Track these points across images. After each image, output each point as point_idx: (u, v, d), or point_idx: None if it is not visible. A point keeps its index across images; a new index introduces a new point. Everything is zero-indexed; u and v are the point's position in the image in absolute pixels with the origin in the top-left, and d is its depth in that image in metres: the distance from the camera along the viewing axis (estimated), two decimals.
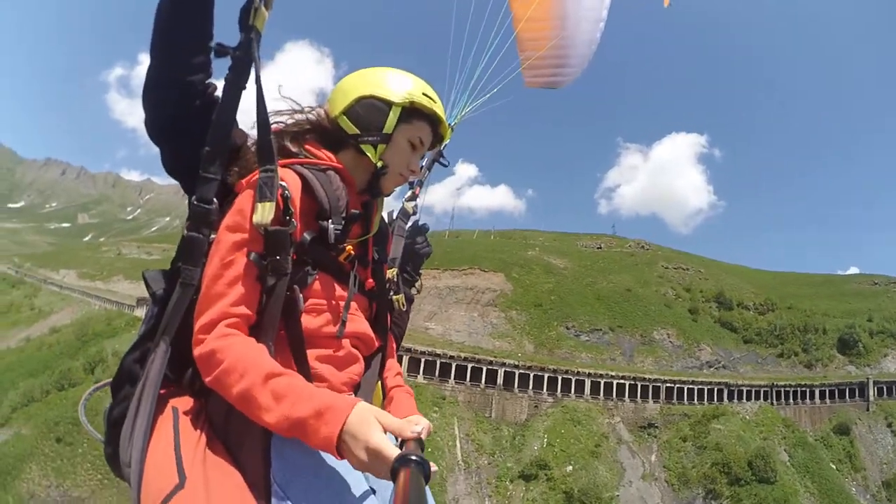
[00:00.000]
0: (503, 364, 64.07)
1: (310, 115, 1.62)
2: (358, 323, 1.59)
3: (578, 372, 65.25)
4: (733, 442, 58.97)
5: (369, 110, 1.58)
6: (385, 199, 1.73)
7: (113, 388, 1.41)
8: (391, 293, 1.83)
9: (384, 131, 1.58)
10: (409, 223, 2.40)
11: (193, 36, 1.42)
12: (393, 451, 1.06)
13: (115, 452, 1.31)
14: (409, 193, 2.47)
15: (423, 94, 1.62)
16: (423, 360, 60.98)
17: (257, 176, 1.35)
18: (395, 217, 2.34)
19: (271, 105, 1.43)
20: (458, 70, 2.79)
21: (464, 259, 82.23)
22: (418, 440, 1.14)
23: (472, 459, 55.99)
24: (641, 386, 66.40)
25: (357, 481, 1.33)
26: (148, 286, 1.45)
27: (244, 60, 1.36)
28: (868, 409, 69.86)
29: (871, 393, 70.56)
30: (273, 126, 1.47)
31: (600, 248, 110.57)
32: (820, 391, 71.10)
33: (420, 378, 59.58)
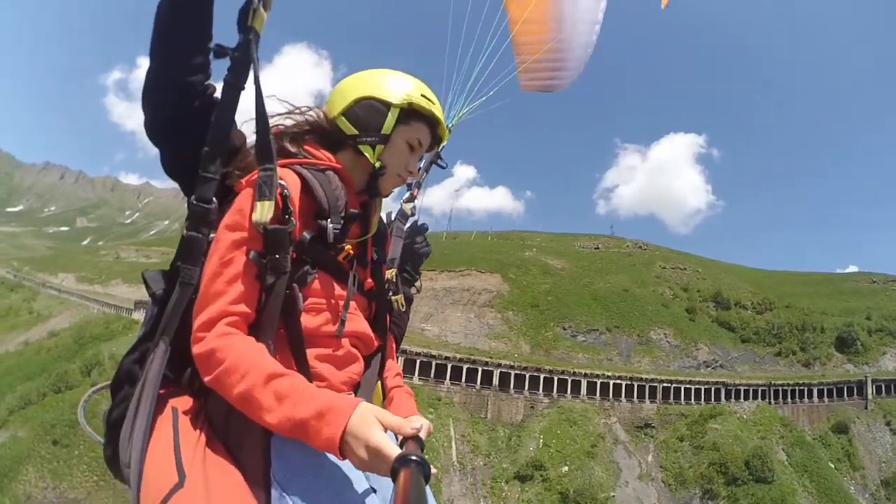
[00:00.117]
0: (499, 365, 64.11)
1: (309, 116, 1.63)
2: (357, 322, 1.60)
3: (574, 372, 65.29)
4: (730, 442, 59.02)
5: (368, 111, 1.58)
6: (384, 200, 1.73)
7: (112, 390, 1.41)
8: (390, 293, 1.83)
9: (382, 132, 1.59)
10: (408, 224, 2.41)
11: (193, 38, 1.42)
12: (393, 450, 1.06)
13: (114, 454, 1.31)
14: (407, 195, 2.47)
15: (422, 95, 1.62)
16: (418, 361, 60.96)
17: (256, 175, 1.36)
18: (393, 218, 2.34)
19: (270, 107, 1.44)
20: (455, 72, 2.79)
21: (461, 260, 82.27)
22: (418, 440, 1.14)
23: (468, 460, 55.99)
24: (638, 386, 66.44)
25: (357, 481, 1.33)
26: (147, 286, 1.45)
27: (243, 61, 1.36)
28: (867, 408, 69.91)
29: (869, 391, 70.62)
30: (272, 127, 1.47)
31: (598, 248, 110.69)
32: (818, 390, 71.11)
33: (415, 379, 59.54)
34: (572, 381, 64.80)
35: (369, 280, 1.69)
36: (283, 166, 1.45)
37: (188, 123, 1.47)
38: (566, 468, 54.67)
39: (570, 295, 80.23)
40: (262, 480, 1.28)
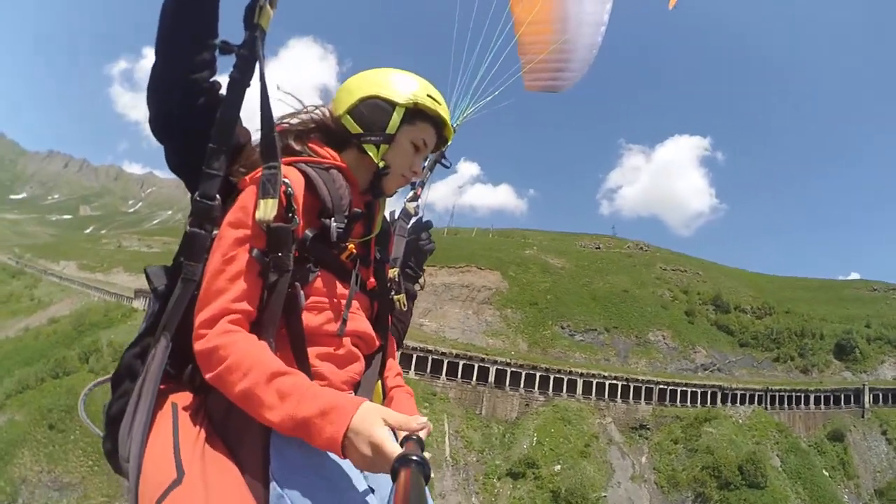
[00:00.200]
0: (495, 362, 64.32)
1: (314, 114, 1.62)
2: (359, 321, 1.60)
3: (571, 371, 65.46)
4: (725, 446, 59.15)
5: (373, 110, 1.57)
6: (387, 199, 1.73)
7: (113, 384, 1.41)
8: (392, 293, 1.84)
9: (387, 132, 1.58)
10: (411, 223, 2.42)
11: (199, 35, 1.42)
12: (395, 449, 1.06)
13: (114, 448, 1.32)
14: (410, 194, 2.47)
15: (428, 95, 1.61)
16: (414, 355, 61.20)
17: (261, 173, 1.36)
18: (396, 217, 2.34)
19: (275, 104, 1.43)
20: (460, 71, 2.79)
21: (461, 256, 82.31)
22: (418, 441, 1.14)
23: (461, 456, 56.24)
24: (634, 387, 66.61)
25: (356, 480, 1.33)
26: (150, 282, 1.45)
27: (249, 59, 1.36)
28: (863, 416, 69.91)
29: (866, 400, 70.60)
30: (277, 125, 1.47)
31: (599, 248, 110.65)
32: (815, 397, 71.21)
33: (411, 374, 59.87)
34: (568, 380, 64.98)
35: (372, 279, 1.69)
36: (287, 164, 1.45)
37: (193, 120, 1.47)
38: (559, 467, 54.89)
39: (569, 294, 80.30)
40: (261, 478, 1.27)
